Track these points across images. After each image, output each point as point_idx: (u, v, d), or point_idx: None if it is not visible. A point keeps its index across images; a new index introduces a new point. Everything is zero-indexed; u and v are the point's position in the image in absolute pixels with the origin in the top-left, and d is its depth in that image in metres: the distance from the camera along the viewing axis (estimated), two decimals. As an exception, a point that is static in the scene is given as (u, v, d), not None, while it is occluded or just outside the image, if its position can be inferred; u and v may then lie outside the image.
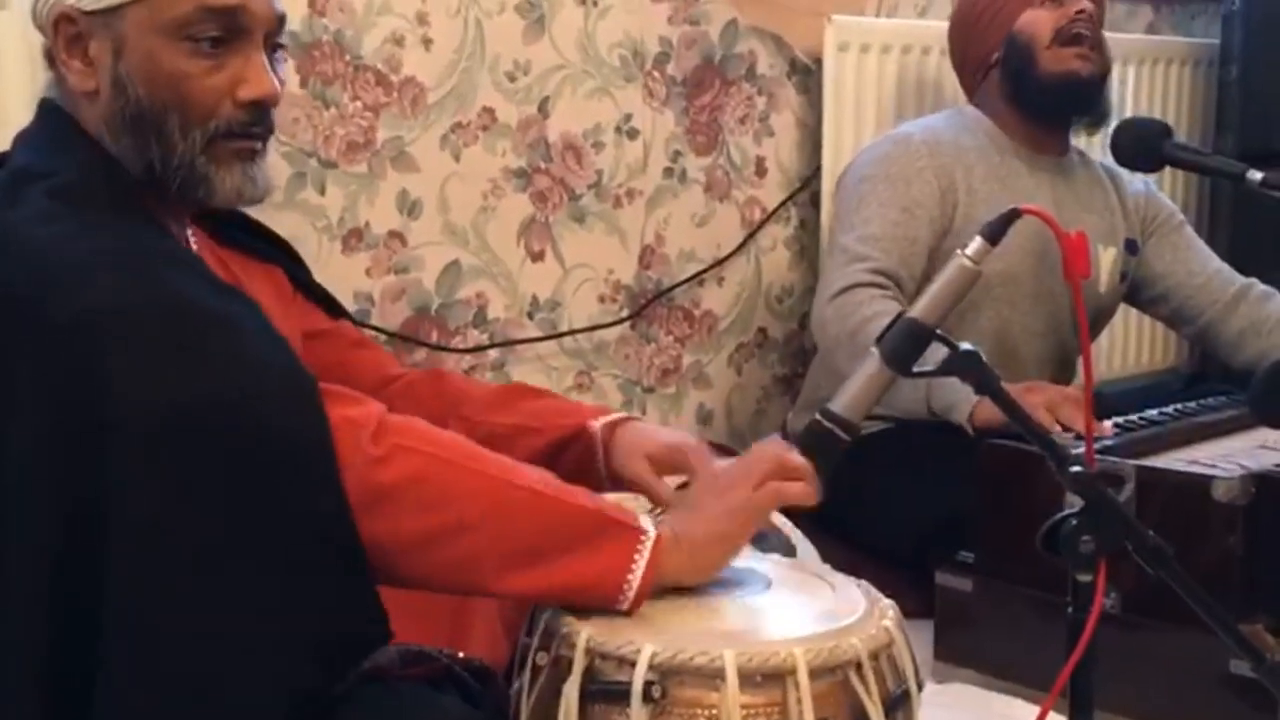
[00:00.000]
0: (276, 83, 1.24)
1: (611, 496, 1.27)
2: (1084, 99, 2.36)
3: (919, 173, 2.30)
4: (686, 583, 1.19)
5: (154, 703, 1.06)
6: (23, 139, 1.26)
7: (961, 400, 2.05)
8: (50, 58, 1.24)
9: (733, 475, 1.25)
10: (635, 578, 1.15)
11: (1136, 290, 2.53)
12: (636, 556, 1.15)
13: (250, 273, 1.41)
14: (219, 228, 1.39)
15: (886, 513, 2.21)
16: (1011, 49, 2.36)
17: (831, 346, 2.21)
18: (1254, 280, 2.47)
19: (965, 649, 1.95)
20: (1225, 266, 2.50)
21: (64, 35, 1.21)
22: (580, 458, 1.41)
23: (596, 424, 1.41)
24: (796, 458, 1.24)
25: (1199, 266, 2.49)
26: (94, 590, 1.06)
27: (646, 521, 1.19)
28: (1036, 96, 2.35)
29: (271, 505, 1.09)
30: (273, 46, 1.26)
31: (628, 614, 1.15)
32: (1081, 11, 2.34)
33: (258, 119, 1.24)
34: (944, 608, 1.97)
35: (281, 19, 1.27)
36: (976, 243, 1.22)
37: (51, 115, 1.25)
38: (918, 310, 1.23)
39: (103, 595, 1.06)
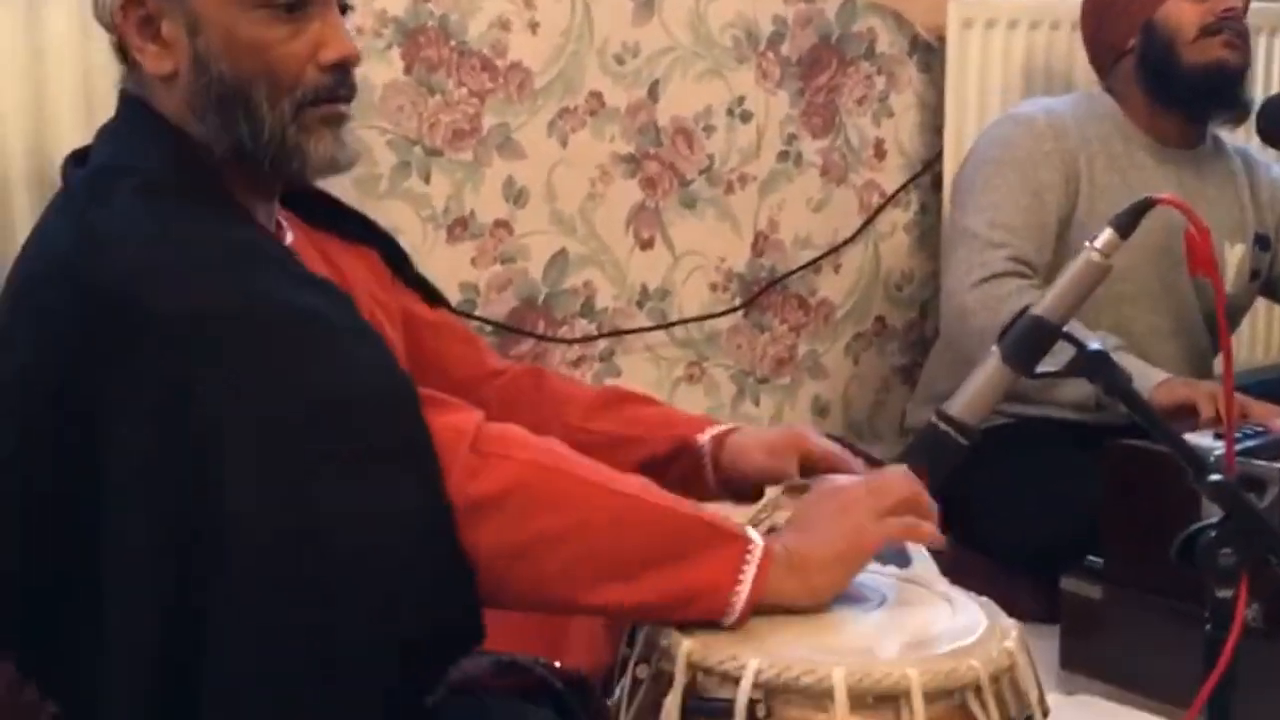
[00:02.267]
0: (354, 43, 1.22)
1: (711, 506, 1.21)
2: (1229, 91, 2.26)
3: (1045, 156, 2.23)
4: (798, 606, 1.12)
5: (253, 698, 1.05)
6: (104, 133, 1.24)
7: (1141, 383, 1.95)
8: (121, 49, 1.22)
9: (856, 494, 1.17)
10: (743, 590, 1.09)
11: (1273, 286, 2.45)
12: (744, 568, 1.10)
13: (344, 255, 1.39)
14: (309, 210, 1.37)
15: (1006, 514, 2.15)
16: (1150, 40, 2.26)
17: (976, 338, 2.10)
18: None
19: (1093, 659, 1.90)
20: None
21: (134, 19, 1.20)
22: (686, 470, 1.38)
23: (704, 437, 1.39)
24: (928, 498, 1.18)
25: None
26: (200, 589, 1.06)
27: (754, 533, 1.14)
28: (1179, 89, 2.26)
29: (372, 506, 1.06)
30: (341, 7, 1.24)
31: (732, 629, 1.10)
32: (1230, 9, 2.24)
33: (341, 81, 1.22)
34: (1071, 615, 1.93)
35: None
36: (1106, 234, 1.17)
37: (130, 106, 1.23)
38: (1043, 308, 1.18)
39: (208, 593, 1.06)
